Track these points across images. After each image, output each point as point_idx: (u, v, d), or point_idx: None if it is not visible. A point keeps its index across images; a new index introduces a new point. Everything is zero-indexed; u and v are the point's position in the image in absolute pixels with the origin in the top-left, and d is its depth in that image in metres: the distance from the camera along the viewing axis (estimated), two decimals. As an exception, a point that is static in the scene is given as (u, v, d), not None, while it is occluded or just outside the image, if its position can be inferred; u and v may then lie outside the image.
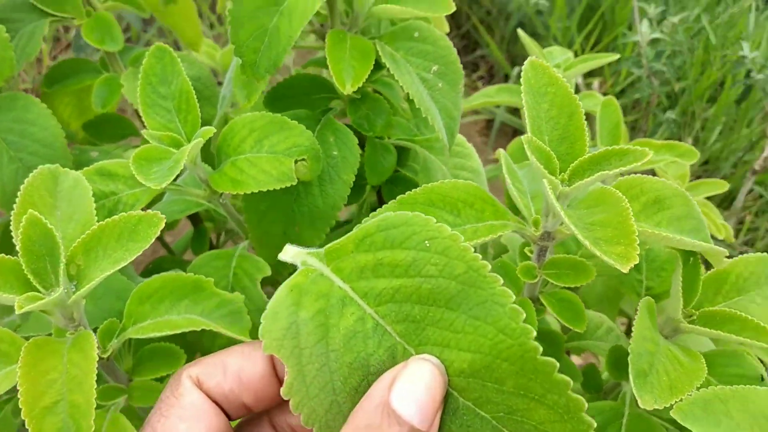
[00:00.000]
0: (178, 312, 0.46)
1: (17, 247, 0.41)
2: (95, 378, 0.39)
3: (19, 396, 0.37)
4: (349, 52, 0.57)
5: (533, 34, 2.04)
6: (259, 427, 0.34)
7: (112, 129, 0.72)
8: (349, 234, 0.31)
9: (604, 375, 0.66)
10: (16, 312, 0.38)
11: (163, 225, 0.41)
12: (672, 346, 0.51)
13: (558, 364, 0.27)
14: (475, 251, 0.29)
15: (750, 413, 0.45)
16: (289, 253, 0.32)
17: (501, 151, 0.54)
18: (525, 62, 0.47)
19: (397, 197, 0.45)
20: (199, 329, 0.46)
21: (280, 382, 0.30)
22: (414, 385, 0.26)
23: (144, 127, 0.71)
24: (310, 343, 0.29)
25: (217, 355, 0.32)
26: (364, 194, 0.70)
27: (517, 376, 0.27)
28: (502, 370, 0.27)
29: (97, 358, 0.40)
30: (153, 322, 0.46)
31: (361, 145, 0.64)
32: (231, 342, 0.57)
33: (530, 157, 0.42)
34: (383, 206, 0.45)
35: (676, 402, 0.45)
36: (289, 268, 0.62)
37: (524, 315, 0.27)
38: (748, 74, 1.80)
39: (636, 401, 0.57)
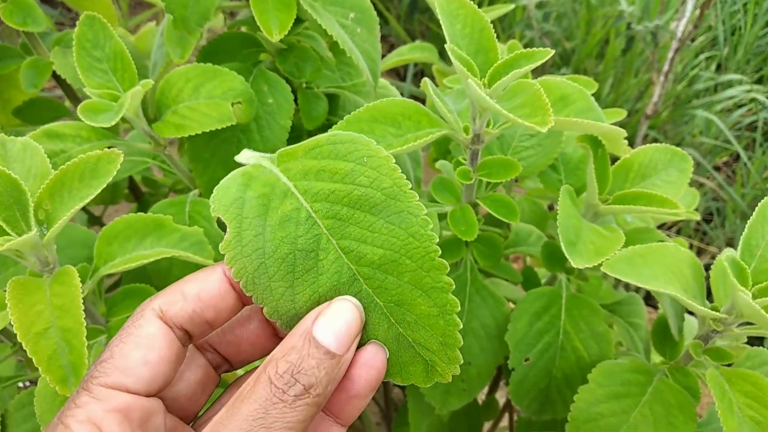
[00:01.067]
0: (144, 248, 0.49)
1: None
2: (82, 303, 0.41)
3: (12, 324, 0.39)
4: (271, 3, 0.61)
5: (426, 10, 2.13)
6: (257, 326, 0.37)
7: (43, 112, 0.72)
8: (301, 143, 0.36)
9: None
10: (-2, 249, 0.40)
11: (121, 159, 0.44)
12: (594, 226, 0.58)
13: (448, 266, 0.33)
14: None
15: (664, 264, 0.53)
16: (245, 156, 0.37)
17: (426, 79, 0.60)
18: (437, -9, 0.53)
19: (344, 117, 0.49)
20: (162, 258, 0.49)
21: (237, 293, 0.35)
22: (334, 318, 0.31)
23: (76, 107, 0.72)
24: (251, 215, 0.34)
25: (174, 285, 0.34)
26: (301, 145, 0.74)
27: (415, 272, 0.33)
28: (405, 265, 0.33)
29: (81, 287, 0.42)
30: (123, 258, 0.48)
31: (294, 99, 0.68)
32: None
33: (454, 63, 0.48)
34: (333, 127, 0.49)
35: (602, 262, 0.52)
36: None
37: (431, 225, 0.33)
38: (628, 27, 1.96)
39: (570, 287, 0.65)
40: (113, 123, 0.51)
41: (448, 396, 0.69)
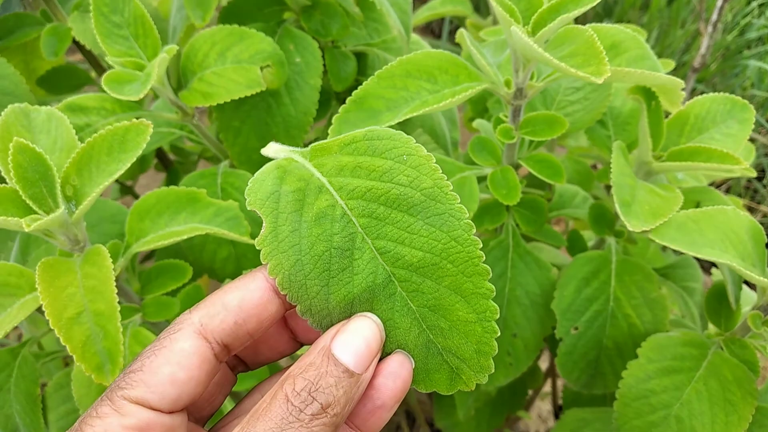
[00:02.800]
0: (178, 223, 0.47)
1: (9, 176, 0.41)
2: (114, 285, 0.40)
3: (44, 310, 0.38)
4: (295, -44, 0.58)
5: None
6: (276, 330, 0.37)
7: (67, 80, 0.70)
8: (336, 137, 0.34)
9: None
10: (26, 229, 0.38)
11: (150, 131, 0.42)
12: (649, 185, 0.54)
13: (491, 272, 0.31)
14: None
15: (720, 230, 0.49)
16: (272, 149, 0.36)
17: (462, 30, 0.56)
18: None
19: (376, 72, 0.46)
20: (200, 234, 0.46)
21: (281, 299, 0.33)
22: (353, 336, 0.30)
23: (98, 74, 0.70)
24: (287, 210, 0.33)
25: (214, 295, 0.33)
26: (330, 108, 0.71)
27: (455, 277, 0.31)
28: (445, 269, 0.32)
29: (112, 267, 0.40)
30: (155, 235, 0.46)
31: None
32: (231, 256, 0.58)
33: (495, 9, 0.44)
34: (363, 84, 0.46)
35: (660, 224, 0.48)
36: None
37: (474, 230, 0.32)
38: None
39: (621, 250, 0.61)
40: (141, 96, 0.48)
41: (494, 372, 0.67)
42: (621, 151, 0.53)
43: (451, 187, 0.32)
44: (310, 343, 0.35)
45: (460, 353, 0.32)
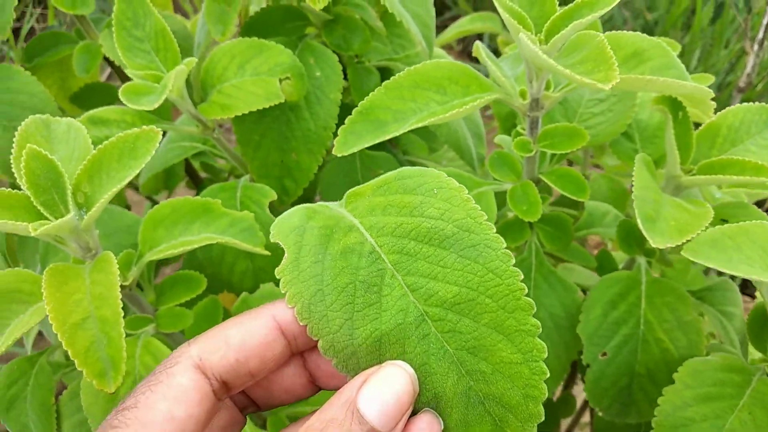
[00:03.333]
0: (191, 233, 0.47)
1: (22, 183, 0.42)
2: (119, 292, 0.40)
3: (48, 315, 0.38)
4: (314, -31, 0.58)
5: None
6: (293, 372, 0.35)
7: (99, 97, 0.72)
8: (369, 182, 0.34)
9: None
10: (32, 234, 0.38)
11: (159, 137, 0.42)
12: (677, 200, 0.52)
13: (534, 307, 0.29)
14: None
15: (759, 245, 0.46)
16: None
17: (478, 43, 0.55)
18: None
19: (383, 83, 0.46)
20: (210, 243, 0.47)
21: (287, 339, 0.31)
22: (383, 388, 0.27)
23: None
24: (311, 243, 0.32)
25: (217, 329, 0.31)
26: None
27: (496, 312, 0.29)
28: (484, 305, 0.29)
29: (118, 274, 0.40)
30: (168, 244, 0.47)
31: (344, 75, 0.65)
32: (249, 270, 0.58)
33: (503, 16, 0.43)
34: (370, 94, 0.46)
35: (686, 241, 0.46)
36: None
37: (513, 260, 0.30)
38: (718, -9, 1.81)
39: (651, 273, 0.58)
40: (156, 106, 0.49)
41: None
42: (644, 163, 0.50)
43: (486, 217, 0.30)
44: (331, 390, 0.33)
45: (505, 400, 0.29)
